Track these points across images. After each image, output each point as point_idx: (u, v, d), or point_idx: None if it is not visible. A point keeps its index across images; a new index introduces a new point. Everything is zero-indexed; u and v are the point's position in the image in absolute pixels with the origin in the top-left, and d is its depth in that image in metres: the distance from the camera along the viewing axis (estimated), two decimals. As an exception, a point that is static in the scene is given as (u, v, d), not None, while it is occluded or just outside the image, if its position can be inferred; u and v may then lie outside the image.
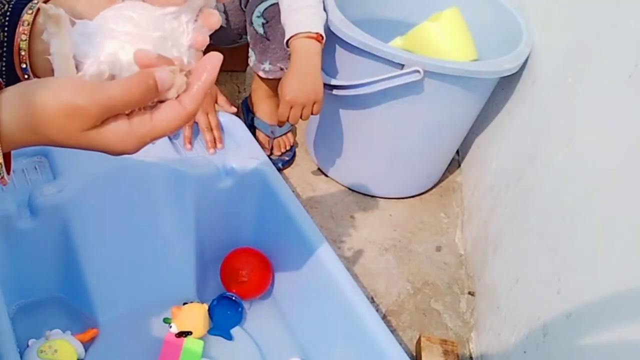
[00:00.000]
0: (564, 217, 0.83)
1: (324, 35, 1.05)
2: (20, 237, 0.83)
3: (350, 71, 1.14)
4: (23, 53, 0.45)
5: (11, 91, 0.40)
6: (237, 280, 0.95)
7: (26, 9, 0.45)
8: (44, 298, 0.89)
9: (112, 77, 0.40)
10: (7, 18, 0.45)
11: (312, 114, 1.06)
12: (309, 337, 0.92)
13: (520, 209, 1.01)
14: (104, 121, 0.39)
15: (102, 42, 0.40)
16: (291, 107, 1.04)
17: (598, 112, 0.82)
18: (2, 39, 0.45)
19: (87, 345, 0.85)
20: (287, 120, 1.06)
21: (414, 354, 1.01)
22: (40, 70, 0.46)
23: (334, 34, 1.10)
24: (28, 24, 0.45)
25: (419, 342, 1.00)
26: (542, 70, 1.09)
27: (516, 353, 0.88)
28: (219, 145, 1.03)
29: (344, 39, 1.09)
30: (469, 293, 1.14)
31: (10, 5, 0.46)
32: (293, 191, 1.00)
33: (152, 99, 0.40)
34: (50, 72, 0.44)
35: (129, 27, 0.40)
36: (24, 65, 0.45)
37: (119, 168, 0.89)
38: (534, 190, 0.97)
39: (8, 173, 0.41)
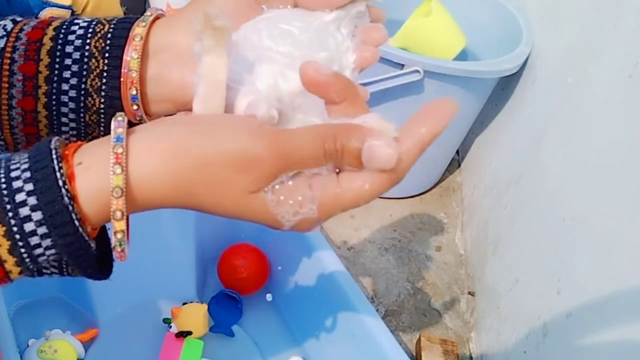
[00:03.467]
0: (564, 217, 0.83)
1: None
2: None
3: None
4: (134, 75, 0.35)
5: (145, 133, 0.30)
6: (235, 276, 0.95)
7: (138, 21, 0.37)
8: (44, 298, 0.89)
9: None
10: (109, 41, 0.36)
11: None
12: (308, 336, 0.92)
13: (520, 209, 1.01)
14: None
15: (259, 65, 0.31)
16: None
17: (598, 112, 0.82)
18: (101, 67, 0.36)
19: (87, 345, 0.85)
20: None
21: (414, 354, 1.01)
22: (153, 102, 0.37)
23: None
24: (141, 39, 0.35)
25: (419, 342, 1.00)
26: (542, 70, 1.09)
27: (516, 353, 0.88)
28: None
29: (344, 39, 1.09)
30: (469, 293, 1.14)
31: (112, 25, 0.37)
32: (293, 191, 1.00)
33: (347, 165, 0.29)
34: (165, 104, 0.37)
35: (289, 46, 0.32)
36: (134, 92, 0.36)
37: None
38: (534, 190, 0.97)
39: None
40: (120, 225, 0.30)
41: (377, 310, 0.93)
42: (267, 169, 0.28)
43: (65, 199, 0.28)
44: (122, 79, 0.36)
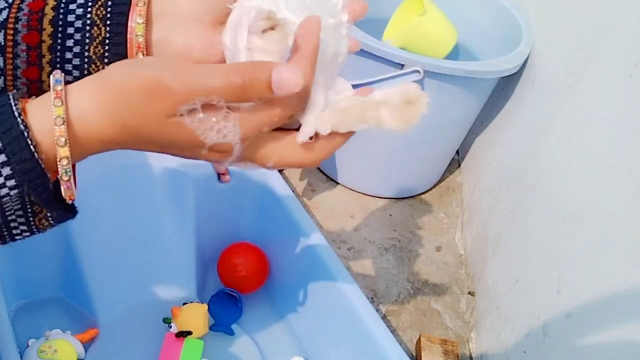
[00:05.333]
0: (564, 217, 0.83)
1: None
2: (20, 237, 0.83)
3: (350, 71, 1.14)
4: (140, 40, 0.36)
5: (82, 79, 0.34)
6: (235, 275, 0.95)
7: None
8: (44, 298, 0.89)
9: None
10: (109, 9, 0.37)
11: None
12: (308, 337, 0.92)
13: (520, 209, 1.01)
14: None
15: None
16: None
17: (598, 112, 0.82)
18: (104, 35, 0.37)
19: (87, 345, 0.85)
20: None
21: (414, 354, 1.01)
22: None
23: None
24: (144, 4, 0.37)
25: (419, 342, 1.00)
26: (542, 70, 1.09)
27: (516, 353, 0.88)
28: None
29: (344, 39, 1.09)
30: (469, 293, 1.14)
31: None
32: (293, 191, 1.00)
33: (258, 98, 0.32)
34: None
35: (304, 16, 0.33)
36: (141, 57, 0.37)
37: (119, 169, 0.89)
38: (534, 190, 0.97)
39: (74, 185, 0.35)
40: (64, 151, 0.32)
41: (377, 310, 0.93)
42: (175, 96, 0.31)
43: (21, 126, 0.31)
44: (127, 45, 0.37)
